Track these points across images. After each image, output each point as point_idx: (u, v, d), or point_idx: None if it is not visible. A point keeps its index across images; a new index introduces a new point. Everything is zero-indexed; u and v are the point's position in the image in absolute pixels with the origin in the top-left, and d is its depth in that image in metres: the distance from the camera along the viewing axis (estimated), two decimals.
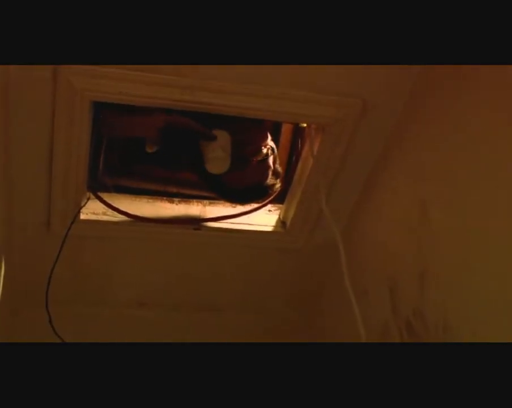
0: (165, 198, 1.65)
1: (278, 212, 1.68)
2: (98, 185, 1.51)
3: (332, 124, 1.33)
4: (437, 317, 1.13)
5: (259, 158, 1.43)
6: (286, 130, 1.68)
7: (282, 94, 1.26)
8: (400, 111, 1.34)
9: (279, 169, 1.54)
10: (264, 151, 1.43)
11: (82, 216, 1.46)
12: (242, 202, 1.57)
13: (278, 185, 1.55)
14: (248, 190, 1.50)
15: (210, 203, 1.65)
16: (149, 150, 1.48)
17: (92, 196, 1.48)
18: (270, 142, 1.48)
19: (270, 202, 1.63)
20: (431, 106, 1.24)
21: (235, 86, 1.23)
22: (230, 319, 1.86)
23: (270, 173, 1.48)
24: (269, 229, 1.64)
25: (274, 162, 1.50)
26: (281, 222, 1.65)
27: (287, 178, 1.62)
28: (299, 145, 1.59)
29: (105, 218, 1.51)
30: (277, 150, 1.59)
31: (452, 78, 1.17)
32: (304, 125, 1.53)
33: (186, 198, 1.67)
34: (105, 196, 1.51)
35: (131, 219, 1.52)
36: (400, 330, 1.28)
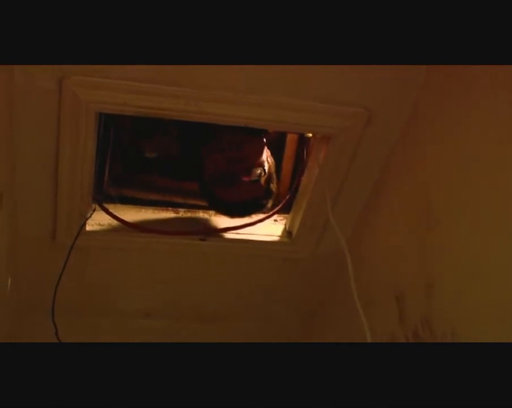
0: (170, 208, 1.65)
1: (284, 222, 1.67)
2: (103, 196, 1.52)
3: (338, 134, 1.33)
4: (445, 327, 1.12)
5: (251, 178, 1.41)
6: (291, 139, 1.68)
7: (288, 105, 1.26)
8: (405, 120, 1.33)
9: (273, 189, 1.53)
10: (258, 171, 1.42)
11: (88, 227, 1.46)
12: (230, 215, 1.57)
13: (269, 204, 1.54)
14: (237, 205, 1.50)
15: (216, 214, 1.64)
16: (148, 155, 1.49)
17: (97, 207, 1.48)
18: (266, 161, 1.46)
19: (277, 212, 1.63)
20: (437, 114, 1.23)
21: (240, 97, 1.22)
22: (236, 329, 1.86)
23: (261, 193, 1.48)
24: (275, 239, 1.64)
25: (269, 182, 1.49)
26: (287, 232, 1.64)
27: (293, 188, 1.62)
28: (305, 155, 1.59)
29: (110, 229, 1.51)
30: (283, 160, 1.59)
31: (456, 87, 1.16)
32: (310, 135, 1.53)
33: (192, 208, 1.67)
34: (111, 207, 1.51)
35: (137, 230, 1.52)
36: (407, 339, 1.27)
